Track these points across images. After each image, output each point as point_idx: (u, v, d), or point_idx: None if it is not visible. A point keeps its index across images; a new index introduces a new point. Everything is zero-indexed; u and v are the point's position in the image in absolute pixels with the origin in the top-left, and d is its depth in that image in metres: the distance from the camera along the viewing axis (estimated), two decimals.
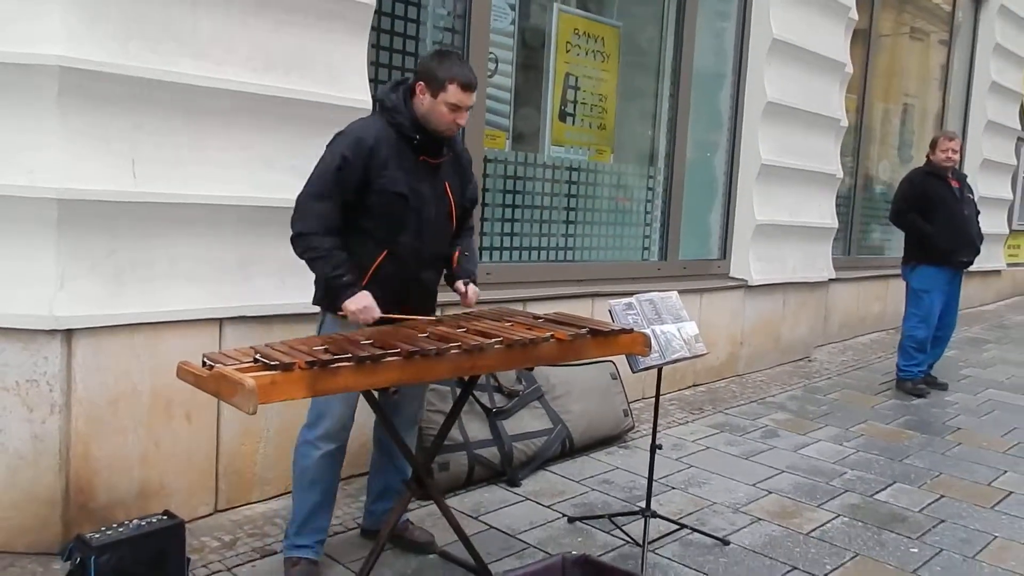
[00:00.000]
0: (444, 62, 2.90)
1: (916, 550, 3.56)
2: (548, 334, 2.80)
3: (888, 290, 8.65)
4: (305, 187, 2.87)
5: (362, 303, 2.81)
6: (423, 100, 2.89)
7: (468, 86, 2.87)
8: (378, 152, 2.85)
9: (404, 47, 4.32)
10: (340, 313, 2.85)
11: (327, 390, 2.36)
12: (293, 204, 2.88)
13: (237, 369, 2.24)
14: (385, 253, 2.92)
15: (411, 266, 2.99)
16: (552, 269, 5.24)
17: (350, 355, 2.35)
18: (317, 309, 3.08)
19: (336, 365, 2.32)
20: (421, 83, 2.90)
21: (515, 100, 5.06)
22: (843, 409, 5.75)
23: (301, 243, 2.85)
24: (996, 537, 3.73)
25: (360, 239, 2.91)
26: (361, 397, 2.85)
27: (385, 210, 2.90)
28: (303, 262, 2.90)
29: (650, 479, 3.49)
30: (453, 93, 2.84)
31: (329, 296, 2.91)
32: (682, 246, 6.14)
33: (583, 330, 2.92)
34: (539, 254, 5.22)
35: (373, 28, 3.94)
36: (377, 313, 2.83)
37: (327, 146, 2.92)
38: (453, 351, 2.56)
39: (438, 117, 2.88)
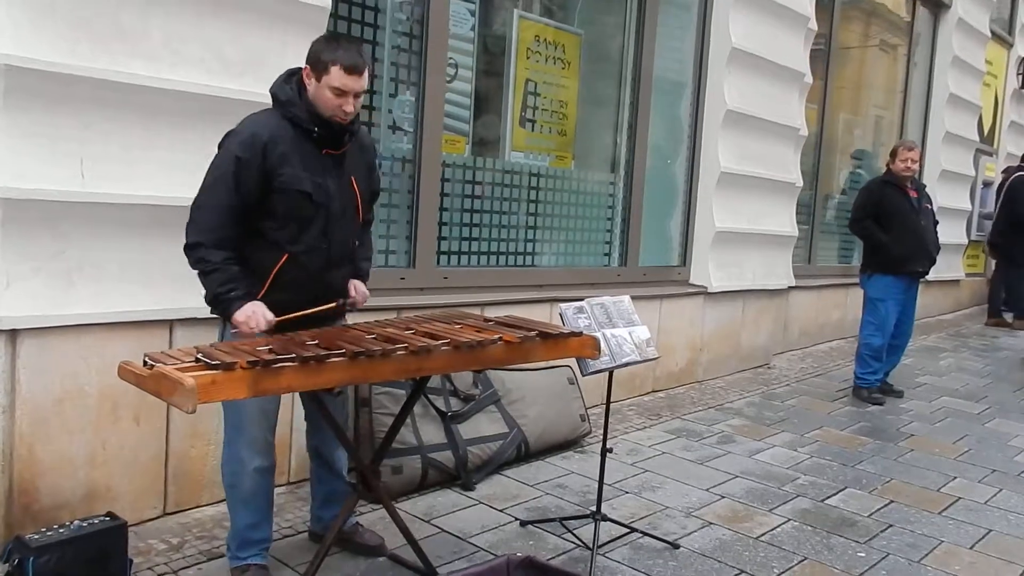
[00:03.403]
0: (329, 44, 2.77)
1: (863, 554, 3.61)
2: (496, 336, 2.81)
3: (848, 298, 8.76)
4: (199, 194, 2.73)
5: (248, 311, 2.67)
6: (309, 85, 2.76)
7: (352, 68, 2.71)
8: (274, 148, 2.72)
9: None
10: (233, 330, 2.72)
11: (269, 390, 2.35)
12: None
13: (178, 368, 2.23)
14: (286, 257, 2.79)
15: (317, 267, 2.85)
16: (511, 274, 5.25)
17: (294, 355, 2.35)
18: None
19: (279, 365, 2.32)
20: (307, 67, 2.77)
21: (475, 106, 5.07)
22: (800, 415, 5.81)
23: (192, 255, 2.71)
24: (942, 542, 3.78)
25: (258, 243, 2.78)
26: (294, 403, 2.83)
27: (288, 210, 2.77)
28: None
29: (600, 482, 3.51)
30: (336, 76, 2.70)
31: (218, 311, 2.77)
32: (642, 252, 6.17)
33: (532, 333, 2.93)
34: (499, 259, 5.23)
35: (330, 31, 3.94)
36: (269, 316, 2.69)
37: (219, 147, 2.78)
38: (399, 352, 2.56)
39: (323, 103, 2.74)
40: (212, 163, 2.76)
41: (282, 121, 2.78)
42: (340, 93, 2.73)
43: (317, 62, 2.74)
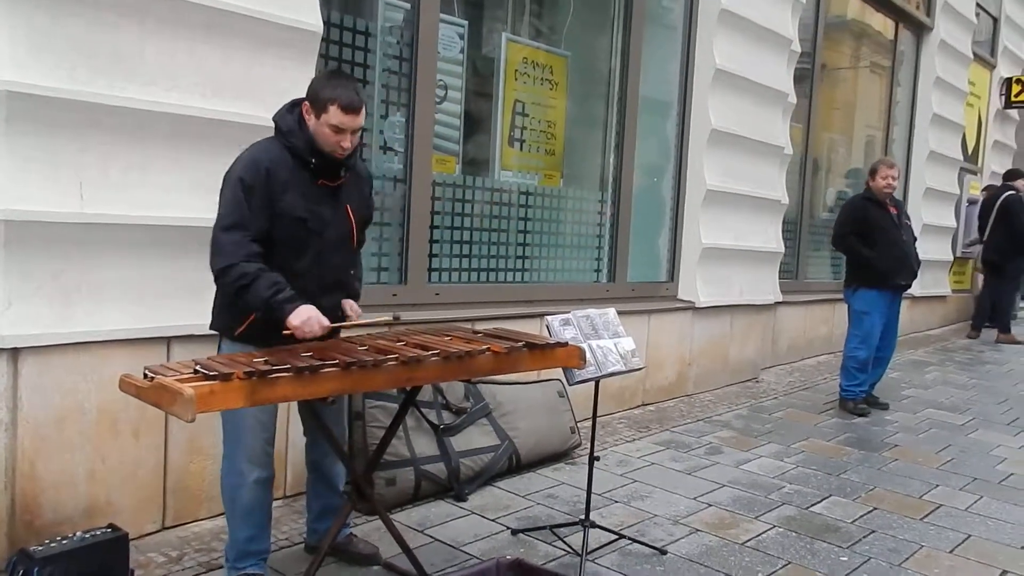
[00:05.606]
0: (329, 83, 2.87)
1: (846, 558, 3.70)
2: (484, 347, 2.90)
3: (835, 313, 8.86)
4: (216, 223, 2.78)
5: (303, 315, 2.73)
6: (309, 120, 2.86)
7: (349, 107, 2.81)
8: (276, 175, 2.81)
9: (352, 73, 4.43)
10: (285, 332, 2.75)
11: (266, 399, 2.44)
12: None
13: (177, 380, 2.32)
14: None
15: (311, 292, 2.87)
16: (502, 290, 5.35)
17: (289, 365, 2.44)
18: None
19: (275, 375, 2.41)
20: (307, 103, 2.87)
21: (465, 126, 5.19)
22: (787, 427, 5.90)
23: (226, 277, 2.74)
24: (923, 547, 3.87)
25: None
26: (291, 417, 2.90)
27: (285, 235, 2.85)
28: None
29: (589, 489, 3.60)
30: (334, 115, 2.79)
31: (270, 317, 2.76)
32: (631, 269, 6.29)
33: (519, 343, 3.02)
34: (488, 275, 5.34)
35: (322, 55, 4.05)
36: (324, 322, 2.78)
37: (224, 177, 2.86)
38: (390, 362, 2.65)
39: (323, 139, 2.84)
40: (221, 193, 2.83)
41: (282, 150, 2.88)
42: (338, 130, 2.82)
43: (316, 100, 2.84)
